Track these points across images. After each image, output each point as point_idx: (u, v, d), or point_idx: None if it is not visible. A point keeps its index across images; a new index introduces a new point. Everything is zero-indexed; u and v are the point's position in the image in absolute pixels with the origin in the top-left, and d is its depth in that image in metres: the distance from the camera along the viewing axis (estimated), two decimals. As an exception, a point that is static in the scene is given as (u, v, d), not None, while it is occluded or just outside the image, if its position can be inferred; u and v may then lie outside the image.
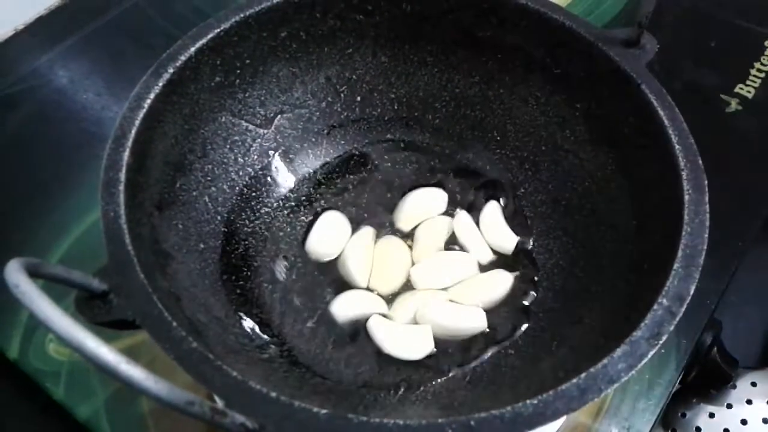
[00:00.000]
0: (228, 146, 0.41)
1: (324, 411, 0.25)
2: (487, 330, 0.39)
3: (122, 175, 0.31)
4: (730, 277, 0.47)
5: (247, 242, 0.41)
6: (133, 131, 0.33)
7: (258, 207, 0.43)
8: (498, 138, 0.45)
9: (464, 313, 0.40)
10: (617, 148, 0.38)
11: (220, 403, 0.26)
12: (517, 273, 0.42)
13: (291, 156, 0.45)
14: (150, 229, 0.34)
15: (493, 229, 0.43)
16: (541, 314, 0.40)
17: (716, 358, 0.45)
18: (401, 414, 0.35)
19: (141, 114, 0.33)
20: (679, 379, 0.44)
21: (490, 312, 0.40)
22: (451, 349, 0.39)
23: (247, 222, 0.42)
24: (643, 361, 0.27)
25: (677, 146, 0.33)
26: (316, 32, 0.42)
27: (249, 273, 0.41)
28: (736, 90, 0.58)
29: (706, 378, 0.46)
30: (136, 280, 0.28)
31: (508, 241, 0.43)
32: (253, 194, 0.43)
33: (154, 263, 0.32)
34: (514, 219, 0.44)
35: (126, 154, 0.32)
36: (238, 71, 0.40)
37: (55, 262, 0.47)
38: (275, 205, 0.44)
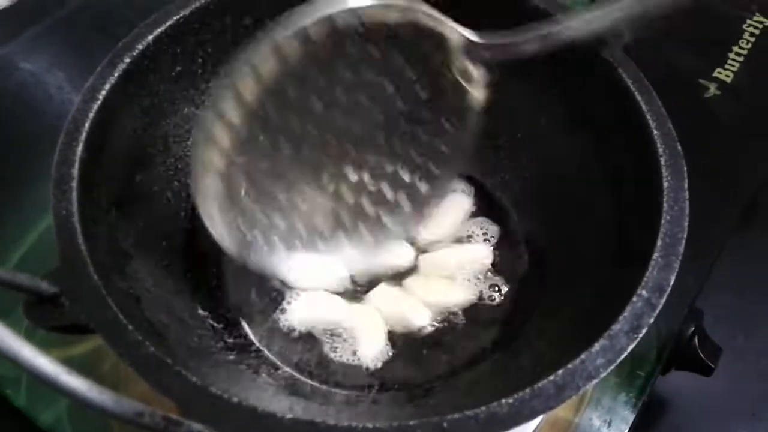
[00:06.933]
0: (191, 139, 0.40)
1: (289, 416, 0.24)
2: (464, 323, 0.38)
3: (75, 171, 0.30)
4: (710, 264, 0.46)
5: (212, 239, 0.40)
6: (87, 125, 0.31)
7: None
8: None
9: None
10: (595, 135, 0.37)
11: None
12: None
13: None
14: (107, 227, 0.32)
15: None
16: (520, 306, 0.39)
17: (697, 348, 0.44)
18: (374, 414, 0.34)
19: (95, 106, 0.32)
20: (661, 369, 0.43)
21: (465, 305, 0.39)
22: (425, 347, 0.38)
23: (213, 218, 0.41)
24: (623, 356, 0.26)
25: (655, 132, 0.32)
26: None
27: (215, 271, 0.39)
28: (715, 74, 0.57)
29: (687, 368, 0.45)
30: (89, 282, 0.27)
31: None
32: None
33: (111, 263, 0.30)
34: (491, 208, 0.43)
35: (79, 149, 0.31)
36: (201, 60, 0.38)
37: (15, 262, 0.45)
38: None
